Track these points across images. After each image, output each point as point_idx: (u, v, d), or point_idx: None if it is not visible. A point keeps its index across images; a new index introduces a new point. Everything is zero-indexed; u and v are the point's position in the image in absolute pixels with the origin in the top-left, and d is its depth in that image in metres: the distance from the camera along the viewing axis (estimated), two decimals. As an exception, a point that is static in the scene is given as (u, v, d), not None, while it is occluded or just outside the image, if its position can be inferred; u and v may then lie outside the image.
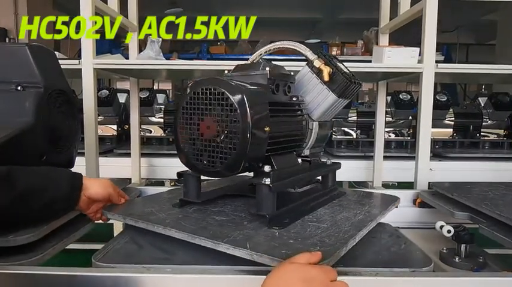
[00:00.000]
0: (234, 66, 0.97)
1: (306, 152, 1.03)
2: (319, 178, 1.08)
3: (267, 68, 0.88)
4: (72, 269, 0.68)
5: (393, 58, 1.53)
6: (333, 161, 1.08)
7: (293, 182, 0.91)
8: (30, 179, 0.79)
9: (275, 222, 0.78)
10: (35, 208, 0.78)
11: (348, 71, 0.98)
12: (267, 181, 0.78)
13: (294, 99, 0.94)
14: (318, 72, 0.96)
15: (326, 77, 0.93)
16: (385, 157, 2.08)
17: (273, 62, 1.02)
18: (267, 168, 0.83)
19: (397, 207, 1.03)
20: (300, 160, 0.97)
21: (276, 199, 0.80)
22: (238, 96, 0.77)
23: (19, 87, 0.90)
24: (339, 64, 0.98)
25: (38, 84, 0.92)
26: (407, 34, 1.98)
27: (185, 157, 0.86)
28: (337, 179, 1.10)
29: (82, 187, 0.86)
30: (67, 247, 0.87)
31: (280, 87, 0.91)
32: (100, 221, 0.94)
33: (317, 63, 0.95)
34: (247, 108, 0.76)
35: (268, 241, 0.70)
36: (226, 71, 0.96)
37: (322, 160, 1.08)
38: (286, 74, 0.96)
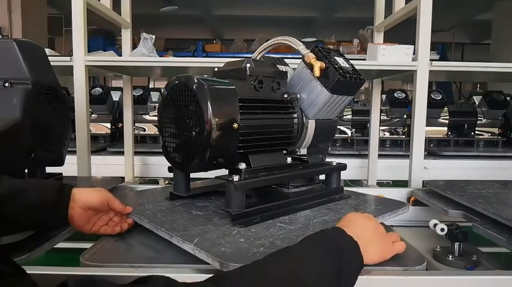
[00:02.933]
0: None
1: (302, 151, 1.00)
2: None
3: (248, 65, 0.87)
4: (58, 269, 0.66)
5: (387, 56, 1.53)
6: (338, 162, 1.03)
7: (269, 181, 0.88)
8: (13, 185, 0.71)
9: (240, 220, 0.78)
10: (14, 213, 0.70)
11: (348, 66, 0.93)
12: (235, 178, 0.79)
13: (285, 95, 0.92)
14: (311, 68, 0.92)
15: (316, 73, 0.89)
16: (379, 156, 2.08)
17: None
18: (242, 165, 0.83)
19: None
20: (289, 159, 0.94)
21: (244, 197, 0.80)
22: (201, 92, 0.77)
23: (6, 84, 0.88)
24: (338, 58, 0.93)
25: (26, 80, 0.90)
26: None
27: (166, 152, 0.89)
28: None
29: (71, 196, 0.75)
30: (56, 246, 0.85)
31: (265, 84, 0.88)
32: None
33: (308, 58, 0.91)
34: (209, 104, 0.76)
35: (218, 238, 0.71)
36: (216, 69, 0.95)
37: (326, 160, 1.04)
38: (275, 71, 0.93)
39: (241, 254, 0.64)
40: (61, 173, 1.15)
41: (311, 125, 0.97)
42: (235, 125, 0.79)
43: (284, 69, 0.97)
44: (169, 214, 0.85)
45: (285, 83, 0.95)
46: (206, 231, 0.75)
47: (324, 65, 0.90)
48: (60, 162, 1.04)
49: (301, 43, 0.95)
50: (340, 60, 0.94)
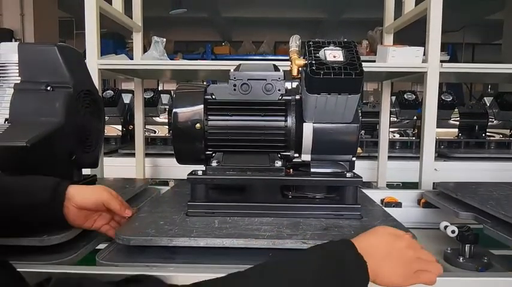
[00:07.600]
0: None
1: (305, 157, 0.92)
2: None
3: (231, 69, 0.91)
4: (75, 268, 0.68)
5: (397, 58, 1.52)
6: (356, 174, 0.91)
7: (228, 181, 0.91)
8: (8, 181, 0.75)
9: (193, 210, 0.88)
10: (12, 209, 0.71)
11: (342, 60, 0.81)
12: (198, 173, 0.89)
13: (279, 97, 0.90)
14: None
15: (293, 71, 0.82)
16: (389, 157, 2.07)
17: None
18: (213, 163, 0.90)
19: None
20: (278, 163, 0.90)
21: (203, 190, 0.89)
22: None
23: (49, 88, 0.90)
24: (331, 51, 0.83)
25: (67, 84, 0.92)
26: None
27: None
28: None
29: (66, 195, 0.74)
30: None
31: (253, 87, 0.90)
32: None
33: (290, 55, 0.85)
34: (173, 107, 0.89)
35: (158, 219, 0.84)
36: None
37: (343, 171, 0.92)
38: (267, 74, 0.91)
39: (138, 232, 0.77)
40: (95, 175, 1.15)
41: (307, 128, 0.90)
42: (198, 125, 0.87)
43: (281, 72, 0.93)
44: (180, 196, 1.03)
45: (282, 84, 0.92)
46: (163, 211, 0.90)
47: (303, 63, 0.82)
48: (95, 164, 1.06)
49: (296, 42, 0.90)
50: (333, 54, 0.83)
